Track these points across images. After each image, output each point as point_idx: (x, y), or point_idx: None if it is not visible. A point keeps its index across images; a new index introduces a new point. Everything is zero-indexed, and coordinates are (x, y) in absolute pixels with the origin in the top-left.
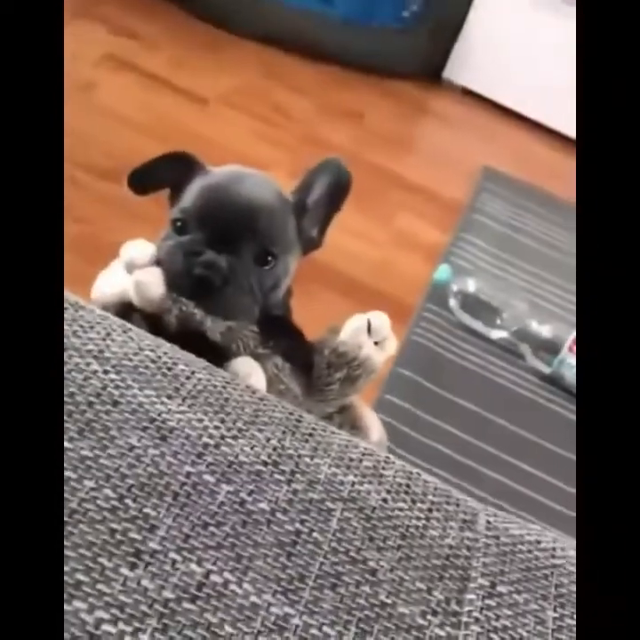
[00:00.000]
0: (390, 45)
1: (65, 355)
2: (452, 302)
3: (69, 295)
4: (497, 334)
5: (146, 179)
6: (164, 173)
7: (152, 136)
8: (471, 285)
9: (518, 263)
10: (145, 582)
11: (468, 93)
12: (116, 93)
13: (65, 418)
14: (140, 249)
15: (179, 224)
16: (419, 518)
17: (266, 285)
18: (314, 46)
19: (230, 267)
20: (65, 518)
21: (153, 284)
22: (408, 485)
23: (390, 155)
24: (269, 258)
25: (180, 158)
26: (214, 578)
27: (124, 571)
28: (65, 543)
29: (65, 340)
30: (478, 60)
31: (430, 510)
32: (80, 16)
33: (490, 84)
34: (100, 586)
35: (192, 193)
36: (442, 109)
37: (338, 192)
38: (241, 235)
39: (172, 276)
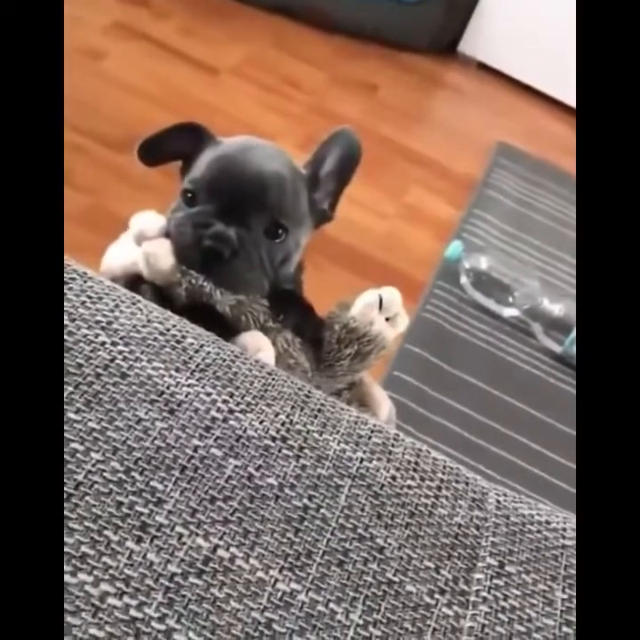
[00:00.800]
0: (405, 18)
1: (73, 326)
2: (464, 279)
3: (77, 265)
4: (508, 312)
5: (156, 150)
6: (175, 144)
7: (161, 105)
8: (483, 263)
9: (531, 241)
10: (151, 556)
11: (483, 67)
12: (124, 62)
13: (72, 389)
14: (150, 220)
15: (189, 195)
16: (427, 496)
17: (276, 259)
18: (327, 18)
19: (239, 238)
20: (71, 490)
21: (162, 255)
22: (417, 463)
23: (403, 128)
24: (280, 231)
25: (190, 129)
26: (221, 553)
27: (130, 544)
28: (70, 515)
29: (73, 311)
30: (494, 34)
31: (439, 488)
32: None
33: (505, 58)
34: (105, 559)
35: (202, 164)
36: (456, 83)
37: (348, 164)
38: (251, 206)
39: (181, 247)
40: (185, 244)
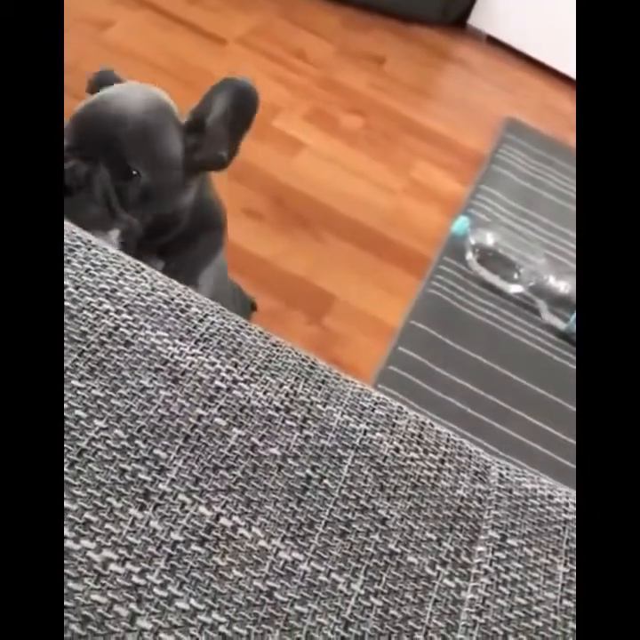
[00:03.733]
0: None
1: (77, 293)
2: (469, 256)
3: (81, 233)
4: (513, 289)
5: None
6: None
7: (168, 75)
8: (489, 239)
9: (538, 217)
10: (154, 524)
11: (493, 42)
12: (132, 31)
13: (76, 357)
14: None
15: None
16: (430, 469)
17: (131, 197)
18: None
19: (87, 175)
20: (74, 457)
21: None
22: (420, 436)
23: (411, 102)
24: (134, 172)
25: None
26: (223, 521)
27: (133, 511)
28: (73, 482)
29: (77, 279)
30: (504, 7)
31: (442, 461)
32: None
33: (515, 32)
34: (108, 526)
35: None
36: (465, 58)
37: (241, 112)
38: (102, 148)
39: None
40: None
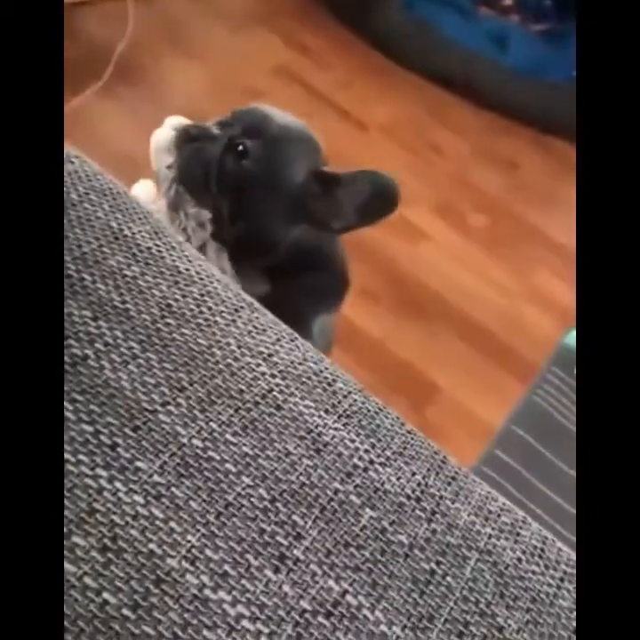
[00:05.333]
0: (555, 102)
1: (239, 353)
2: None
3: (246, 296)
4: None
5: None
6: None
7: None
8: None
9: None
10: (286, 588)
11: None
12: (281, 105)
13: (232, 413)
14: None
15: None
16: (550, 585)
17: (227, 178)
18: (478, 90)
19: (213, 136)
20: (221, 509)
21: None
22: (542, 550)
23: (538, 210)
24: (240, 148)
25: None
26: (349, 599)
27: (268, 572)
28: (217, 533)
29: (240, 339)
30: None
31: (562, 580)
32: (261, 24)
33: None
34: (244, 582)
35: None
36: None
37: (377, 208)
38: (241, 125)
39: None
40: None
